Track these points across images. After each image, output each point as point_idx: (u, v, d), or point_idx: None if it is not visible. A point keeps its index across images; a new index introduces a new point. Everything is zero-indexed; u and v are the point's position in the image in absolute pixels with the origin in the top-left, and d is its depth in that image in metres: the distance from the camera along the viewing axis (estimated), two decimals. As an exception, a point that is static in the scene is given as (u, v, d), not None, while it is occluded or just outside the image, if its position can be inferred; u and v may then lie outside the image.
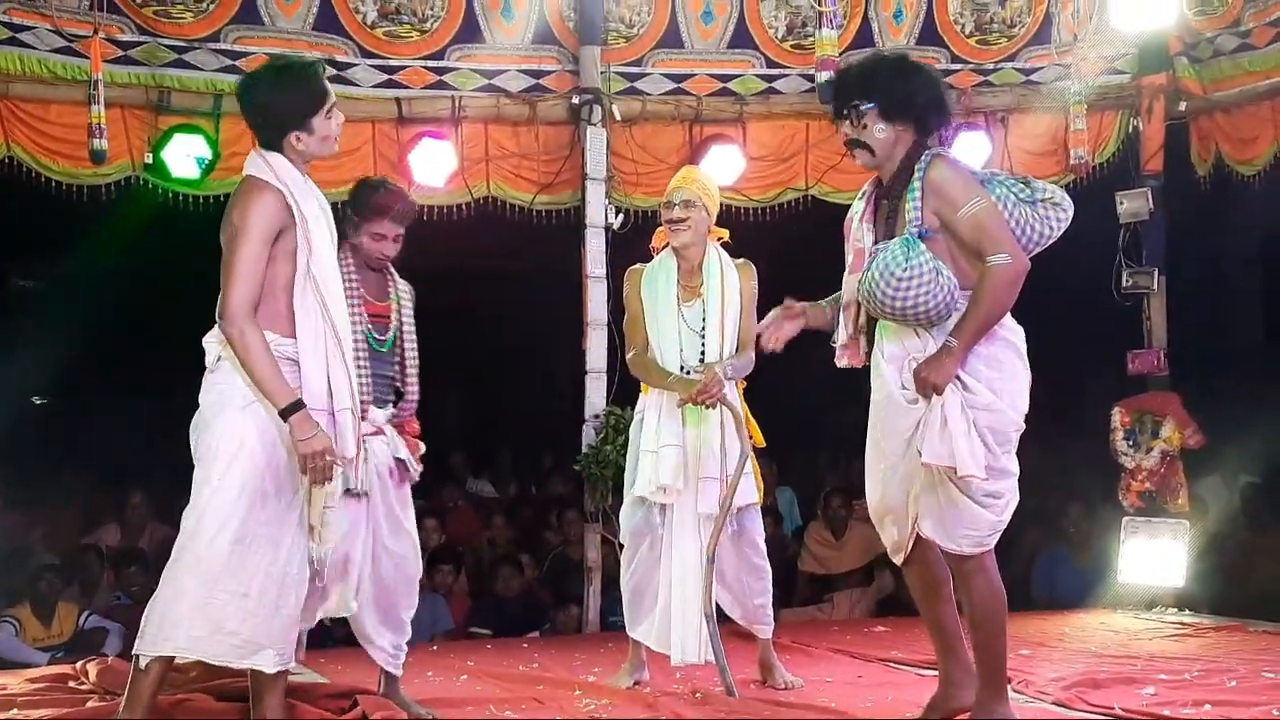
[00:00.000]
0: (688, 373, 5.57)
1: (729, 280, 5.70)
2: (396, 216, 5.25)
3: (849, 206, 4.69)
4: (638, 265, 5.87)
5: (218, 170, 7.59)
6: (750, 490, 5.62)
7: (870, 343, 4.59)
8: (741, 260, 5.80)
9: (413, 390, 5.35)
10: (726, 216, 8.06)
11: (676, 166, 8.05)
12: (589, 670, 6.15)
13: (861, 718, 4.95)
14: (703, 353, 5.63)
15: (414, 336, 5.37)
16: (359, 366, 4.95)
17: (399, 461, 5.22)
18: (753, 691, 5.56)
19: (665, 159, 8.17)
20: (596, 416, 7.92)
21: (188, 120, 7.60)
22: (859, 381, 4.69)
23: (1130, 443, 8.37)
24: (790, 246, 9.84)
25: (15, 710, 5.25)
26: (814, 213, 8.48)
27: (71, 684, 5.89)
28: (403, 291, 5.39)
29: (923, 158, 4.46)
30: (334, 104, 4.39)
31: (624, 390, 8.01)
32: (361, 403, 4.65)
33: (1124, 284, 8.55)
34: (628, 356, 5.82)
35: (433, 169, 7.94)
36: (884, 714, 4.91)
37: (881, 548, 8.74)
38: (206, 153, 7.53)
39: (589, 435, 7.93)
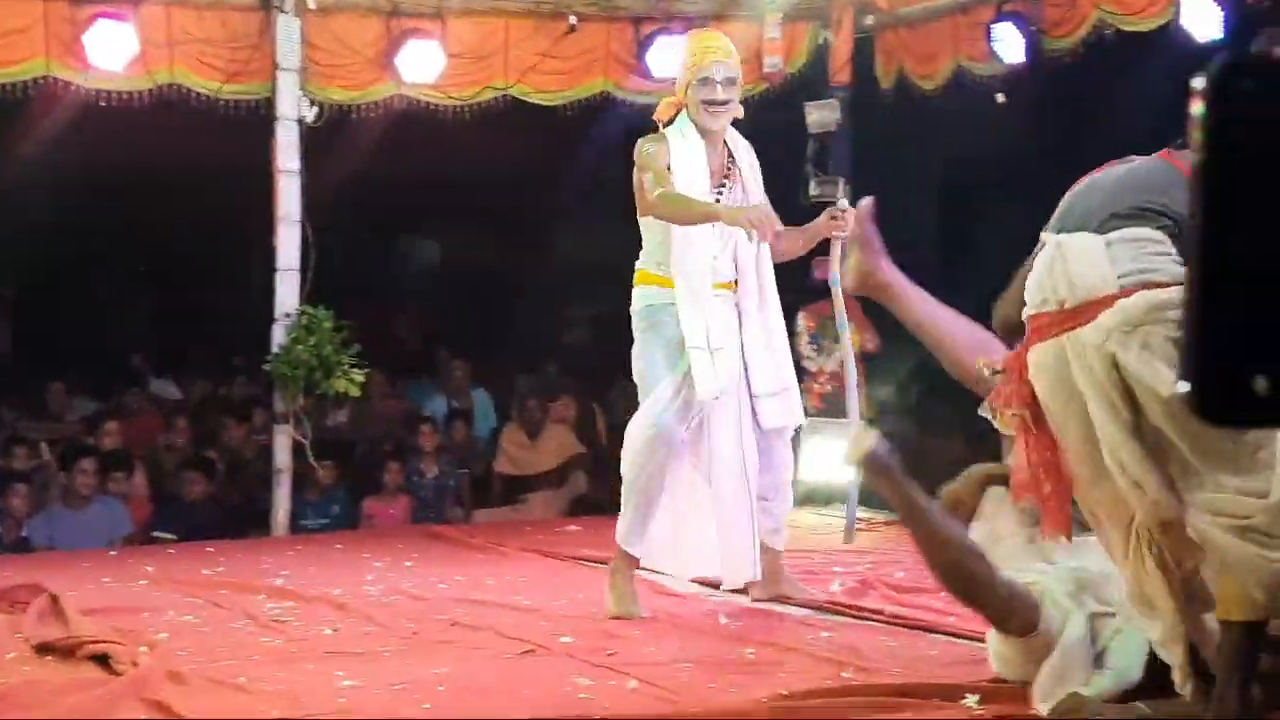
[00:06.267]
0: (719, 274, 5.03)
1: (753, 162, 5.19)
2: None
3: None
4: (657, 133, 5.10)
5: None
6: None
7: None
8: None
9: None
10: (426, 115, 7.94)
11: (374, 60, 7.87)
12: (276, 574, 6.03)
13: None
14: (737, 244, 5.03)
15: None
16: None
17: None
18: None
19: (362, 51, 7.92)
20: (288, 315, 7.69)
21: None
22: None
23: (814, 347, 8.68)
24: (492, 147, 9.79)
25: None
26: (514, 113, 8.40)
27: None
28: None
29: None
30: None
31: (316, 290, 7.81)
32: None
33: (811, 193, 8.79)
34: (655, 194, 4.87)
35: (110, 52, 7.46)
36: (577, 610, 4.99)
37: (575, 450, 9.01)
38: None
39: (279, 335, 7.71)
